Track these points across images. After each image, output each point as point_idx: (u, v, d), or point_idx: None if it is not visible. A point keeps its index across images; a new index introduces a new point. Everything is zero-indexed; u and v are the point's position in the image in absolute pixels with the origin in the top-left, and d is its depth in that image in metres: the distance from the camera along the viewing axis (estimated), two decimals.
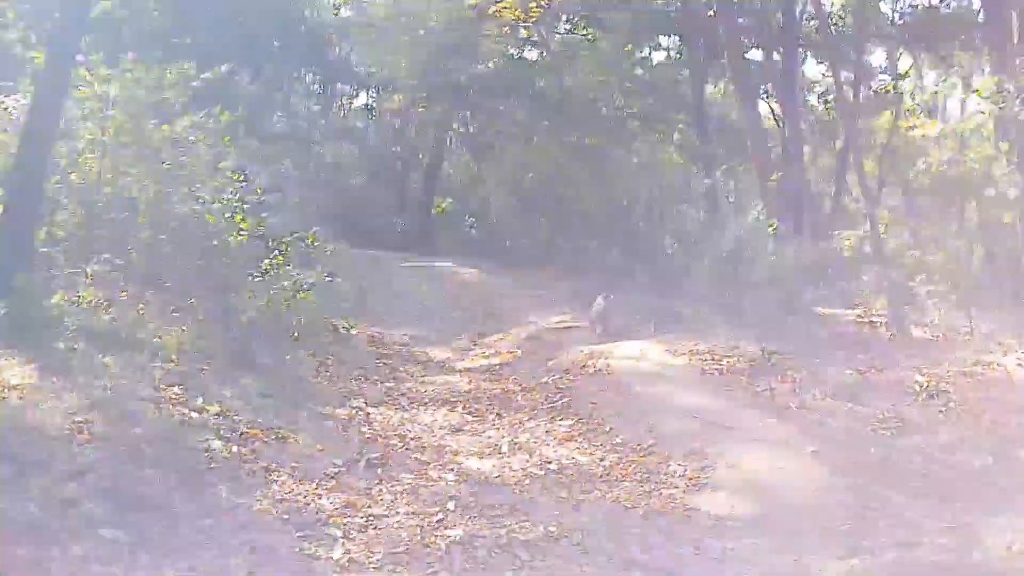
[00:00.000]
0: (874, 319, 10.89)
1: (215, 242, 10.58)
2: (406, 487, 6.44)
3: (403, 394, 9.16)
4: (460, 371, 10.21)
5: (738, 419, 7.32)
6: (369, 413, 8.35)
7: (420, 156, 26.45)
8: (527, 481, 6.50)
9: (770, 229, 10.59)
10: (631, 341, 10.14)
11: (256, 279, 10.21)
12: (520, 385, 9.13)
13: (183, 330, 8.57)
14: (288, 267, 11.11)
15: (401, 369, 10.40)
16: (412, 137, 25.81)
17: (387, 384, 9.61)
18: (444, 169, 27.08)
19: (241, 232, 10.83)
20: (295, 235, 13.02)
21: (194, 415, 7.03)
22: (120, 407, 6.60)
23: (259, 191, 11.75)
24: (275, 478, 6.44)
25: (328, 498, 6.20)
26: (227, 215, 10.66)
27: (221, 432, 6.91)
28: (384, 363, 10.60)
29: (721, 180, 17.23)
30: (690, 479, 6.16)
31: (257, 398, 7.97)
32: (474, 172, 24.45)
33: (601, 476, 6.43)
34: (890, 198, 24.58)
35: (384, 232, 24.48)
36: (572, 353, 9.84)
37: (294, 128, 25.21)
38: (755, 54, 22.04)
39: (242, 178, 11.39)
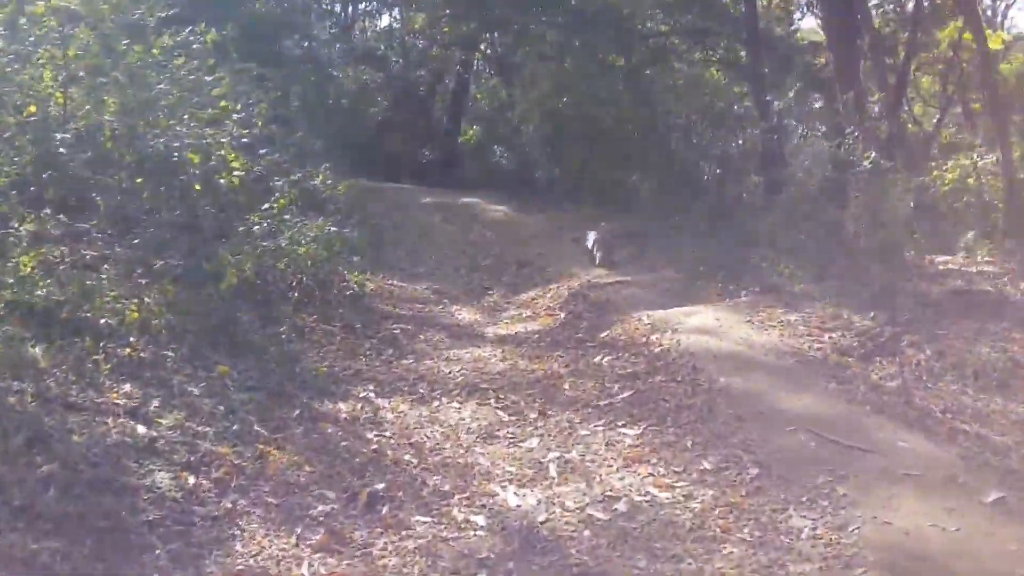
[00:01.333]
0: (985, 270, 8.69)
1: (197, 186, 8.65)
2: (419, 543, 4.44)
3: (422, 376, 7.14)
4: (492, 341, 8.16)
5: (868, 432, 5.20)
6: (379, 408, 6.35)
7: (446, 80, 24.01)
8: (587, 533, 4.48)
9: (866, 162, 8.29)
10: (700, 306, 7.98)
11: (250, 229, 8.26)
12: (567, 366, 7.07)
13: (148, 301, 6.59)
14: (288, 214, 9.18)
15: (421, 338, 8.37)
16: (437, 60, 23.30)
17: (404, 361, 7.59)
18: (471, 94, 24.68)
19: (234, 173, 8.90)
20: (301, 173, 11.01)
21: (140, 430, 5.08)
22: (34, 427, 4.67)
23: (259, 123, 9.71)
24: (239, 528, 4.49)
25: (309, 564, 4.24)
26: (218, 152, 8.74)
27: (174, 456, 4.97)
28: (402, 329, 8.58)
29: (785, 103, 14.72)
30: (827, 546, 4.06)
31: (235, 392, 6.01)
32: (503, 97, 22.01)
33: (692, 530, 4.38)
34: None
35: (407, 163, 22.27)
36: (630, 321, 7.72)
37: (310, 51, 22.85)
38: None
39: (237, 107, 9.39)
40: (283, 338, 7.44)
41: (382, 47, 25.11)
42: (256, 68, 12.69)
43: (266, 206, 9.92)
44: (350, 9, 25.79)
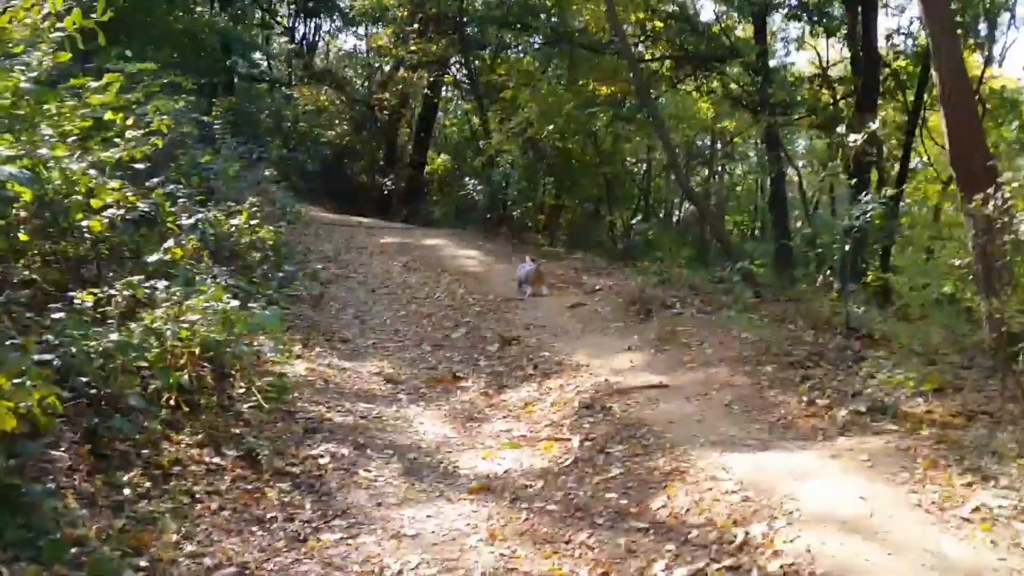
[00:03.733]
0: None
1: (23, 235, 5.52)
2: None
3: None
4: (473, 488, 4.84)
5: None
6: None
7: (411, 105, 20.81)
8: None
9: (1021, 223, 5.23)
10: (806, 451, 4.75)
11: (81, 310, 5.04)
12: (605, 564, 3.80)
13: None
14: (178, 272, 5.98)
15: (361, 475, 5.03)
16: (403, 82, 20.06)
17: (326, 535, 4.25)
18: (440, 120, 21.55)
19: (88, 211, 5.82)
20: (204, 213, 7.76)
21: None
22: None
23: (158, 143, 6.51)
24: None
25: None
26: (87, 183, 5.65)
27: None
28: (332, 456, 5.25)
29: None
30: None
31: None
32: (476, 124, 18.87)
33: None
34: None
35: (368, 193, 19.01)
36: (697, 477, 4.45)
37: (264, 70, 19.52)
38: None
39: (128, 120, 6.25)
40: (124, 498, 4.10)
41: (344, 66, 21.88)
42: (172, 74, 9.45)
43: (154, 258, 6.72)
44: (312, 27, 22.53)
